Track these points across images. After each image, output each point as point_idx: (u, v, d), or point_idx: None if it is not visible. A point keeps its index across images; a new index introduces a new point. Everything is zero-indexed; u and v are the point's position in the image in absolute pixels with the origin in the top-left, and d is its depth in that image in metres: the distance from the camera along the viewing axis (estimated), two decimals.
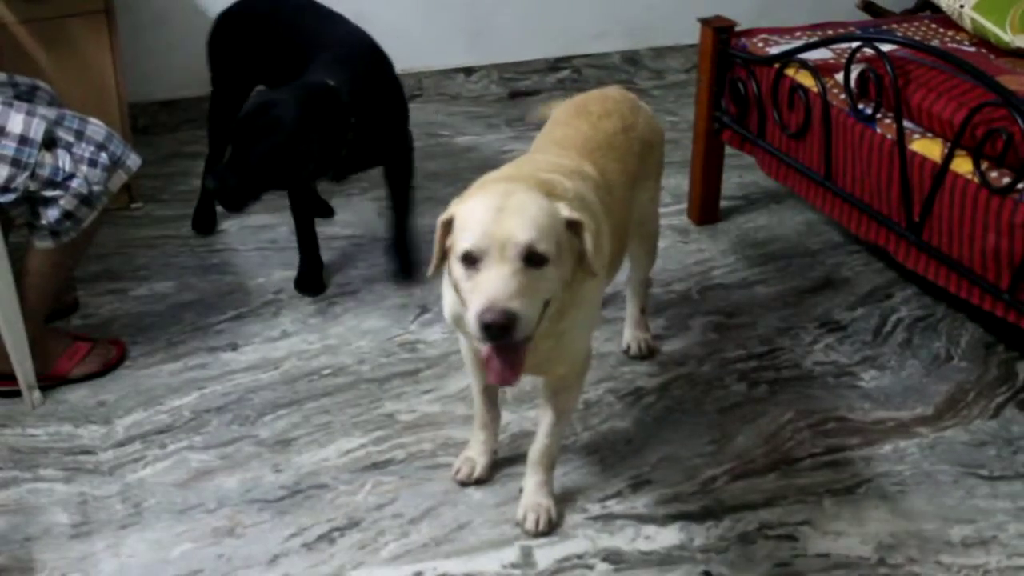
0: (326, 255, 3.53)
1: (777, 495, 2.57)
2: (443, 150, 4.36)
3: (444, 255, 2.12)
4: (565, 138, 2.55)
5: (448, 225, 2.08)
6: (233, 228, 3.75)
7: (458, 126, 4.59)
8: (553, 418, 2.43)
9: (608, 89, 2.80)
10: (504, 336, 1.94)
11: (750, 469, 2.66)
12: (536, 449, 2.47)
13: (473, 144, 4.40)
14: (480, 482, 2.60)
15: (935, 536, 2.45)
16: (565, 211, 2.06)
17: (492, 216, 1.99)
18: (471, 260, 1.99)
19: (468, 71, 4.93)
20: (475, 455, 2.62)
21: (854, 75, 3.03)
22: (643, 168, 2.68)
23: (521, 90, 4.93)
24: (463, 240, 2.00)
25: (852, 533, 2.46)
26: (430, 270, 2.18)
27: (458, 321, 2.27)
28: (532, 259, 1.98)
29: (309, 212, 3.43)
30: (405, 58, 4.77)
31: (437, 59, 4.89)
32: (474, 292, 1.98)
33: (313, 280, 3.42)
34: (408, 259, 3.45)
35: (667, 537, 2.45)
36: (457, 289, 2.07)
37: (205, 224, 3.73)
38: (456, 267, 2.04)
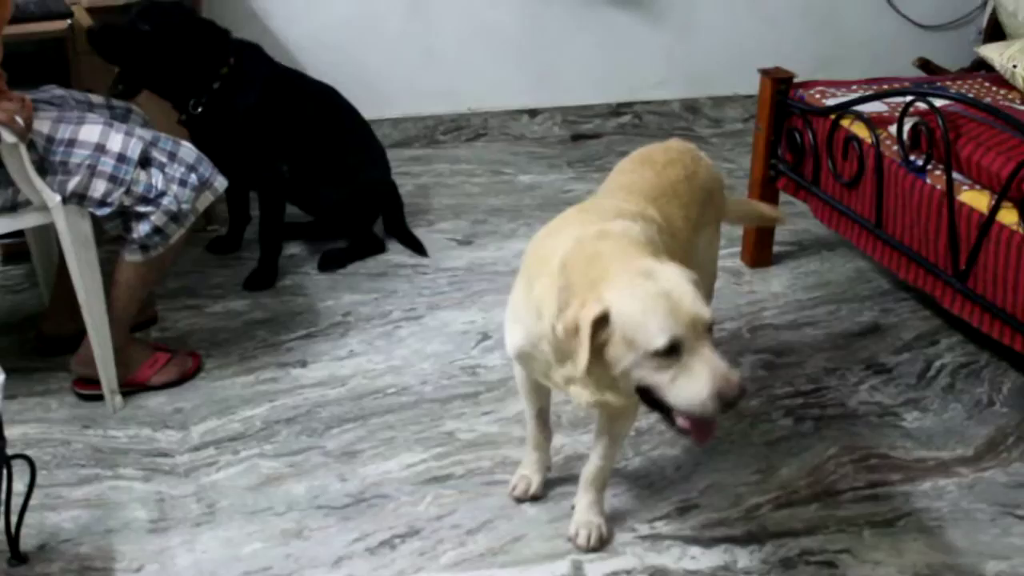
0: (393, 283, 3.72)
1: (819, 524, 2.68)
2: (507, 187, 4.51)
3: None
4: (632, 184, 2.65)
5: (601, 322, 2.05)
6: (304, 253, 3.93)
7: (521, 165, 4.75)
8: (607, 442, 2.55)
9: (670, 141, 2.91)
10: (735, 406, 2.05)
11: (793, 499, 2.77)
12: (590, 470, 2.60)
13: (535, 183, 4.55)
14: (535, 499, 2.73)
15: (971, 570, 2.55)
16: (690, 273, 2.14)
17: (665, 304, 2.02)
18: (672, 351, 2.02)
19: (532, 113, 5.09)
20: (529, 473, 2.75)
21: (907, 128, 3.16)
22: (704, 215, 2.79)
23: (583, 133, 5.08)
24: (658, 338, 2.00)
25: (890, 563, 2.56)
26: (580, 368, 2.08)
27: (523, 357, 2.39)
28: (710, 329, 2.07)
29: (278, 214, 3.75)
30: (472, 98, 4.98)
31: (503, 100, 5.06)
32: (691, 377, 2.02)
33: (264, 281, 3.72)
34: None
35: (712, 558, 2.57)
36: (643, 386, 2.08)
37: (224, 247, 4.00)
38: (645, 365, 2.04)
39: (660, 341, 2.01)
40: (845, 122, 3.42)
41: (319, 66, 4.42)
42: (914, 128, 3.15)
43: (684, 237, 2.61)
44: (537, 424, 2.70)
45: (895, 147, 3.20)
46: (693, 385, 2.02)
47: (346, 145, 3.86)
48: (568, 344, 2.10)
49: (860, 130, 3.35)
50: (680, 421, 2.11)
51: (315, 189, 3.82)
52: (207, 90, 3.49)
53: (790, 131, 3.66)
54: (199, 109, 3.50)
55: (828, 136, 3.46)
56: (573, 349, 2.09)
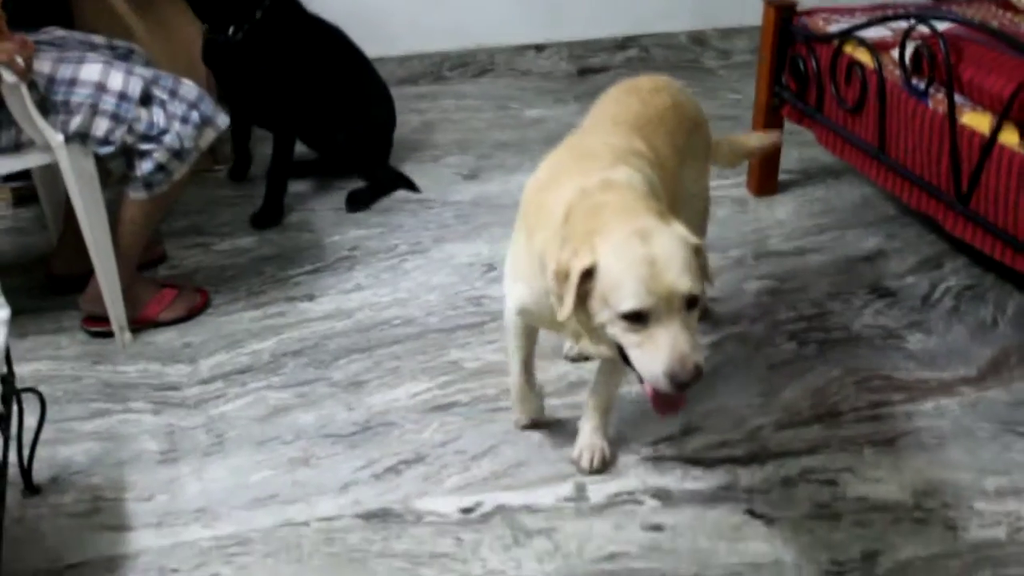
0: (399, 217, 3.74)
1: (820, 444, 2.71)
2: (513, 122, 4.52)
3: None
4: (617, 115, 2.62)
5: (589, 273, 2.05)
6: (309, 190, 3.95)
7: (528, 100, 4.75)
8: (612, 370, 2.57)
9: (656, 75, 2.88)
10: (690, 387, 2.03)
11: (796, 420, 2.79)
12: (594, 395, 2.63)
13: (541, 117, 4.55)
14: (538, 425, 2.76)
15: (970, 485, 2.57)
16: (692, 238, 2.09)
17: (646, 271, 1.99)
18: (639, 318, 2.01)
19: (539, 48, 5.08)
20: (523, 416, 2.76)
21: (909, 52, 3.14)
22: (690, 145, 2.75)
23: (590, 67, 5.07)
24: (626, 301, 2.00)
25: (890, 480, 2.59)
26: (564, 312, 2.09)
27: (525, 313, 2.43)
28: (691, 304, 2.04)
29: (289, 153, 3.78)
30: (479, 34, 4.96)
31: (509, 36, 5.05)
32: (653, 349, 2.00)
33: (270, 219, 3.75)
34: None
35: (713, 478, 2.60)
36: (619, 342, 2.07)
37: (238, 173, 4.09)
38: (616, 323, 2.04)
39: (626, 306, 2.00)
40: (848, 48, 3.40)
41: (323, 4, 4.40)
42: (916, 52, 3.13)
43: (671, 166, 2.58)
44: (523, 372, 2.68)
45: (897, 72, 3.19)
46: (651, 357, 2.01)
47: (356, 85, 3.87)
48: (558, 288, 2.11)
49: (863, 55, 3.33)
50: (645, 386, 2.10)
51: (328, 129, 3.84)
52: (250, 18, 3.53)
53: (794, 59, 3.65)
54: (239, 35, 3.53)
55: (831, 62, 3.44)
56: (562, 293, 2.10)
